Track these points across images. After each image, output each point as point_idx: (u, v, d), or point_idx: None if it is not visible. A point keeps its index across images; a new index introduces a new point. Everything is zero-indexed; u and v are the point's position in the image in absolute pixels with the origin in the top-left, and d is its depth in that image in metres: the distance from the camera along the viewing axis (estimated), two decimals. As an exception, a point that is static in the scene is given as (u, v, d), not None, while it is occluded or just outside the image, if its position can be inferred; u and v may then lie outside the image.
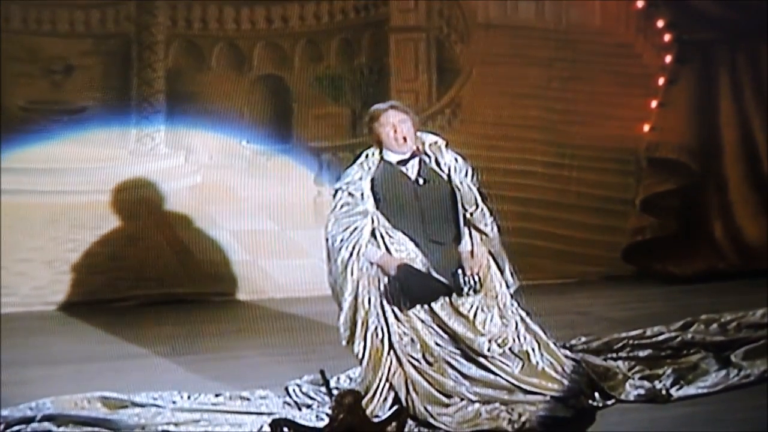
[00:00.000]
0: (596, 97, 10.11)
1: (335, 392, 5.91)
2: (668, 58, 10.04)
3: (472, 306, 6.16)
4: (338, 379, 6.77)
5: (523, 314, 6.35)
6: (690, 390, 6.56)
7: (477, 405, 6.16)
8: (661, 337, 7.42)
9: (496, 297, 6.26)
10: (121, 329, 8.47)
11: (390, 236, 6.14)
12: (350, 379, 6.75)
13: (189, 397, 6.56)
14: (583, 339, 7.37)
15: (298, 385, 6.66)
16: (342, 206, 6.21)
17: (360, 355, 6.11)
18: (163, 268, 9.40)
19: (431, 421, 6.04)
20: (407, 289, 6.05)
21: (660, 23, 10.06)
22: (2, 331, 8.18)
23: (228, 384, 6.83)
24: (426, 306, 6.12)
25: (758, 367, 6.82)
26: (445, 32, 9.91)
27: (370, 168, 6.22)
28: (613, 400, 6.38)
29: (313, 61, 9.72)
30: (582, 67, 10.05)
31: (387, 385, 6.10)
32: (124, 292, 9.27)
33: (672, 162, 9.96)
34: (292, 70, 9.70)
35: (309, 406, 6.42)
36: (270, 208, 9.63)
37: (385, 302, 6.09)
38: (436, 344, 6.14)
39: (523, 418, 6.09)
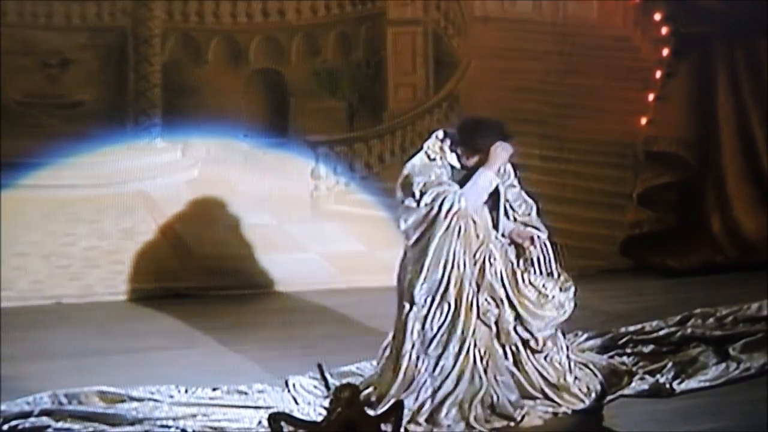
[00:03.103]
0: (594, 91, 10.10)
1: (333, 386, 5.90)
2: (666, 52, 10.03)
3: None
4: (335, 373, 6.76)
5: None
6: (692, 383, 6.58)
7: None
8: (661, 332, 7.43)
9: None
10: (118, 323, 8.47)
11: None
12: (353, 373, 6.74)
13: (186, 392, 6.56)
14: (585, 336, 7.37)
15: (299, 379, 6.66)
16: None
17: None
18: (160, 263, 9.38)
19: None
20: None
21: (657, 16, 10.05)
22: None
23: (225, 378, 6.83)
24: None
25: (756, 360, 6.84)
26: (442, 25, 9.89)
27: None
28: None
29: (310, 54, 9.70)
30: (579, 60, 10.04)
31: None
32: (122, 287, 9.26)
33: (669, 155, 9.97)
34: (289, 64, 9.68)
35: (307, 401, 6.42)
36: (267, 202, 9.62)
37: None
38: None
39: (523, 411, 6.09)
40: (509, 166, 6.44)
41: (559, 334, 6.37)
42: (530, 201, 6.46)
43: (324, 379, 6.35)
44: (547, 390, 6.18)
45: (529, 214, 6.41)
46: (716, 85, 10.06)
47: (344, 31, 9.75)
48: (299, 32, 9.69)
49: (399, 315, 6.21)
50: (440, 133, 6.31)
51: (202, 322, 8.39)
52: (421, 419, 6.02)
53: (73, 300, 9.14)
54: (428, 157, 6.20)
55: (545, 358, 6.24)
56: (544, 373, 6.21)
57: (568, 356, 6.35)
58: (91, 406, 6.29)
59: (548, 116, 10.03)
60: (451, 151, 6.24)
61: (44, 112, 9.19)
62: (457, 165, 6.25)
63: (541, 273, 6.28)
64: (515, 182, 6.44)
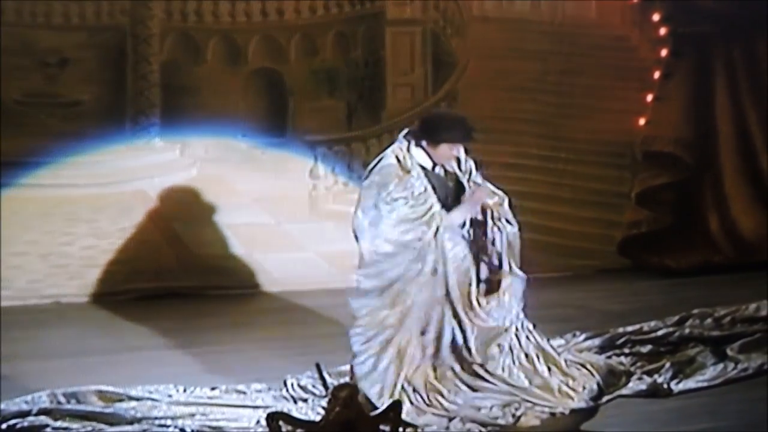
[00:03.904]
0: (592, 91, 10.11)
1: (331, 386, 5.91)
2: (664, 52, 10.04)
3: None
4: (334, 373, 6.76)
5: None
6: (689, 384, 6.58)
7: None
8: (659, 333, 7.44)
9: None
10: (116, 323, 8.47)
11: None
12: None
13: (185, 391, 6.56)
14: (583, 336, 7.38)
15: (297, 379, 6.66)
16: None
17: None
18: (158, 262, 9.38)
19: None
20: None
21: (656, 17, 10.06)
22: (-2, 324, 8.19)
23: (224, 377, 6.83)
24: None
25: (754, 360, 6.85)
26: (441, 25, 9.90)
27: None
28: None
29: (309, 54, 9.70)
30: (578, 60, 10.05)
31: None
32: (120, 286, 9.25)
33: (667, 155, 9.98)
34: (288, 64, 9.69)
35: (305, 400, 6.42)
36: (265, 202, 9.62)
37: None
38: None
39: (518, 413, 6.09)
40: (471, 162, 6.40)
41: (512, 335, 6.32)
42: (500, 193, 6.41)
43: (322, 378, 6.36)
44: (522, 395, 6.17)
45: (501, 205, 6.38)
46: (714, 85, 10.08)
47: (343, 31, 9.76)
48: (298, 32, 9.69)
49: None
50: (404, 132, 6.29)
51: (200, 322, 8.39)
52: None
53: (72, 299, 9.15)
54: (398, 161, 6.16)
55: (514, 362, 6.22)
56: (510, 379, 6.19)
57: (531, 355, 6.31)
58: (90, 406, 6.28)
59: (546, 116, 10.04)
60: (417, 146, 6.23)
61: (43, 112, 9.19)
62: (428, 163, 6.22)
63: (499, 263, 6.26)
64: (478, 178, 6.40)
